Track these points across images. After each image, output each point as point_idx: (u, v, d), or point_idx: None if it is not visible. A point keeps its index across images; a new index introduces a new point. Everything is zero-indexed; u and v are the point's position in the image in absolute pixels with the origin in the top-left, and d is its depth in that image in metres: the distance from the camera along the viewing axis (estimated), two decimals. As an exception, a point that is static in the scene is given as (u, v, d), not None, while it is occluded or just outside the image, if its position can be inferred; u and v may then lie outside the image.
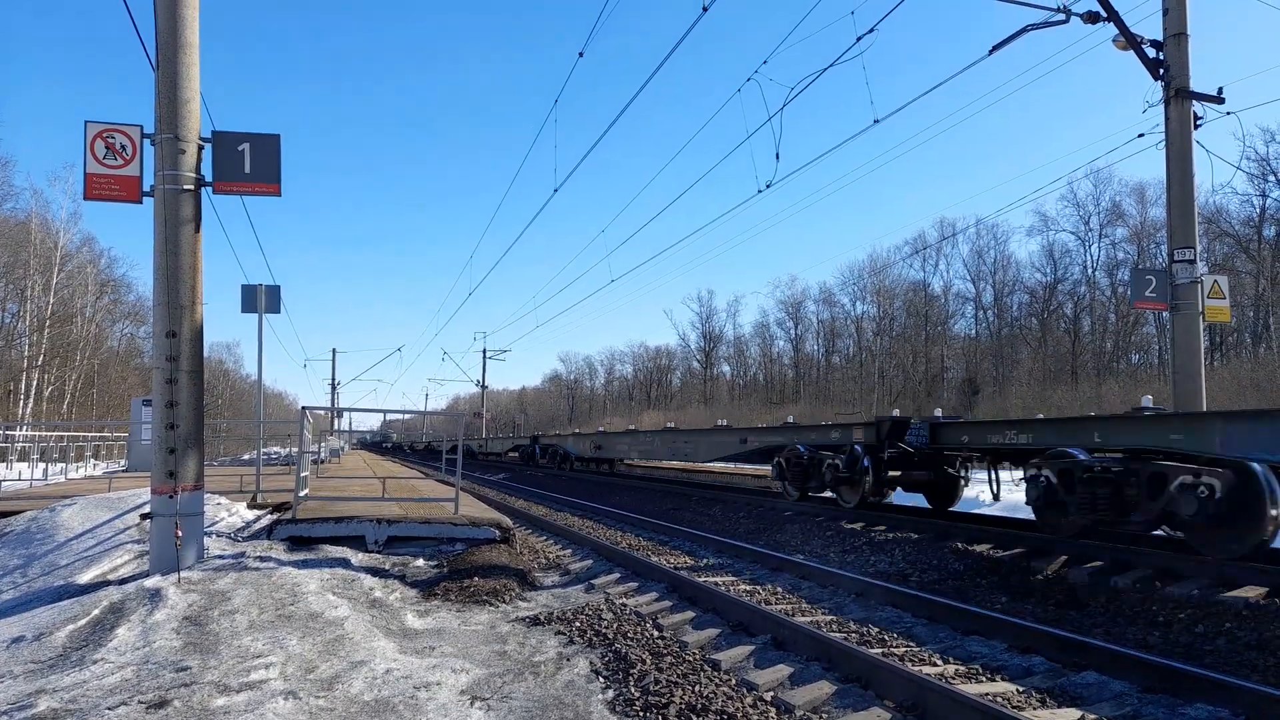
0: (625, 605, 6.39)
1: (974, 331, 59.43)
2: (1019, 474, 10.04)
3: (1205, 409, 10.39)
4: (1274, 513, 6.66)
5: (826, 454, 12.25)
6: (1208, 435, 7.18)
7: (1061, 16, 11.02)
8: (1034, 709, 4.12)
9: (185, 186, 7.21)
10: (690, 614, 6.17)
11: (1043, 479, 8.52)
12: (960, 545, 8.90)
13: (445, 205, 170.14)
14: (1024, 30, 11.11)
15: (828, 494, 12.58)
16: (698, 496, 16.17)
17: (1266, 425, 6.77)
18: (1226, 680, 4.17)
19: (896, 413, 12.74)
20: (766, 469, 18.85)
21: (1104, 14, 10.94)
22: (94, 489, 12.06)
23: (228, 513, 9.88)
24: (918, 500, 12.58)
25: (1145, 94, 11.21)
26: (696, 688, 4.24)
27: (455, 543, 8.91)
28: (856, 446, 11.58)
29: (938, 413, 12.80)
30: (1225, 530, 6.94)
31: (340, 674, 4.36)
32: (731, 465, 22.18)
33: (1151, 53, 10.92)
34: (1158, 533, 7.88)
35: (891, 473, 11.37)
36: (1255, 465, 6.76)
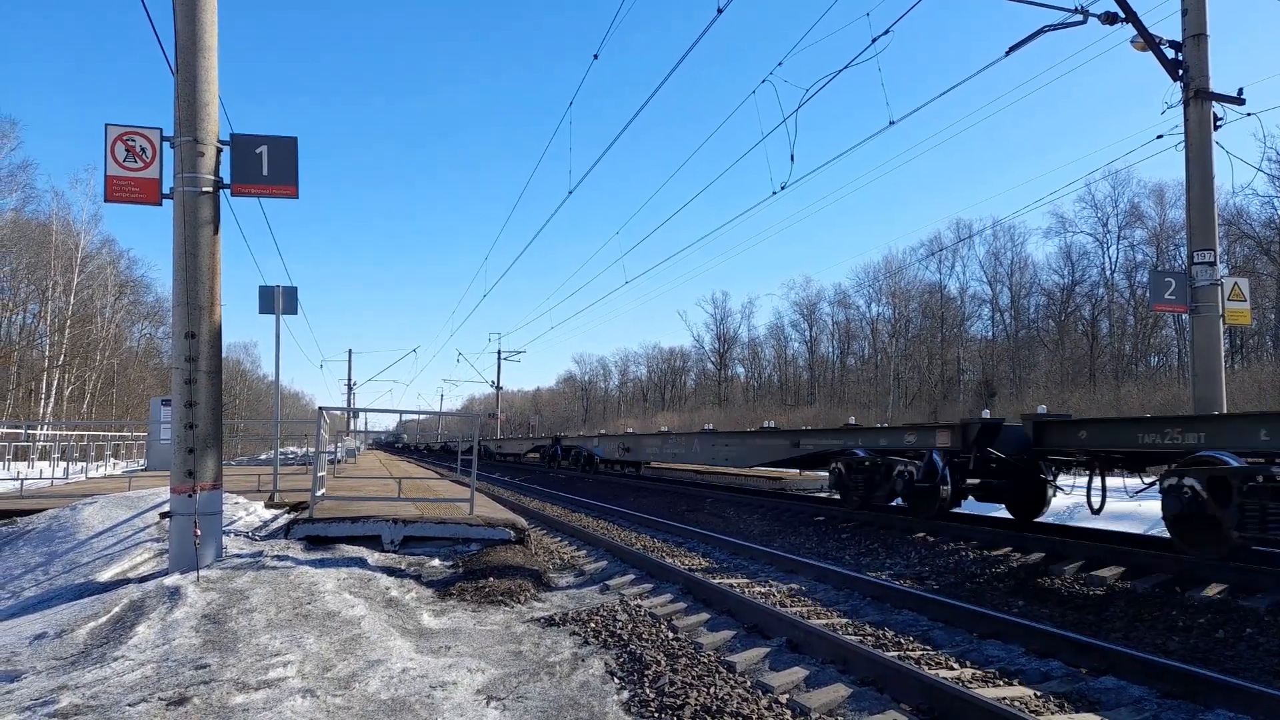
0: (640, 606, 6.39)
1: (990, 334, 59.11)
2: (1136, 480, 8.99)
3: (1225, 411, 10.29)
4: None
5: (897, 460, 11.18)
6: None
7: (1079, 18, 10.96)
8: (1051, 713, 4.10)
9: (204, 189, 7.28)
10: (705, 616, 6.17)
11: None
12: (978, 549, 8.86)
13: (461, 208, 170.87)
14: (1041, 31, 11.05)
15: (896, 503, 11.53)
16: (712, 498, 16.17)
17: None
18: (1248, 686, 4.12)
19: (987, 414, 11.83)
20: (814, 474, 18.43)
21: (1122, 15, 10.86)
22: (114, 488, 12.18)
23: (246, 512, 9.96)
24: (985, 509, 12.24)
25: (1164, 95, 11.20)
26: (712, 689, 4.24)
27: (470, 543, 8.94)
28: (935, 453, 10.44)
29: (1042, 409, 11.75)
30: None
31: (357, 673, 4.39)
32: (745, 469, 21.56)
33: (1170, 54, 10.83)
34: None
35: (970, 480, 10.42)
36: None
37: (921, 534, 9.98)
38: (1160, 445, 8.10)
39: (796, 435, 14.93)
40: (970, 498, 10.71)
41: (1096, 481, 9.16)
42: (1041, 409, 9.40)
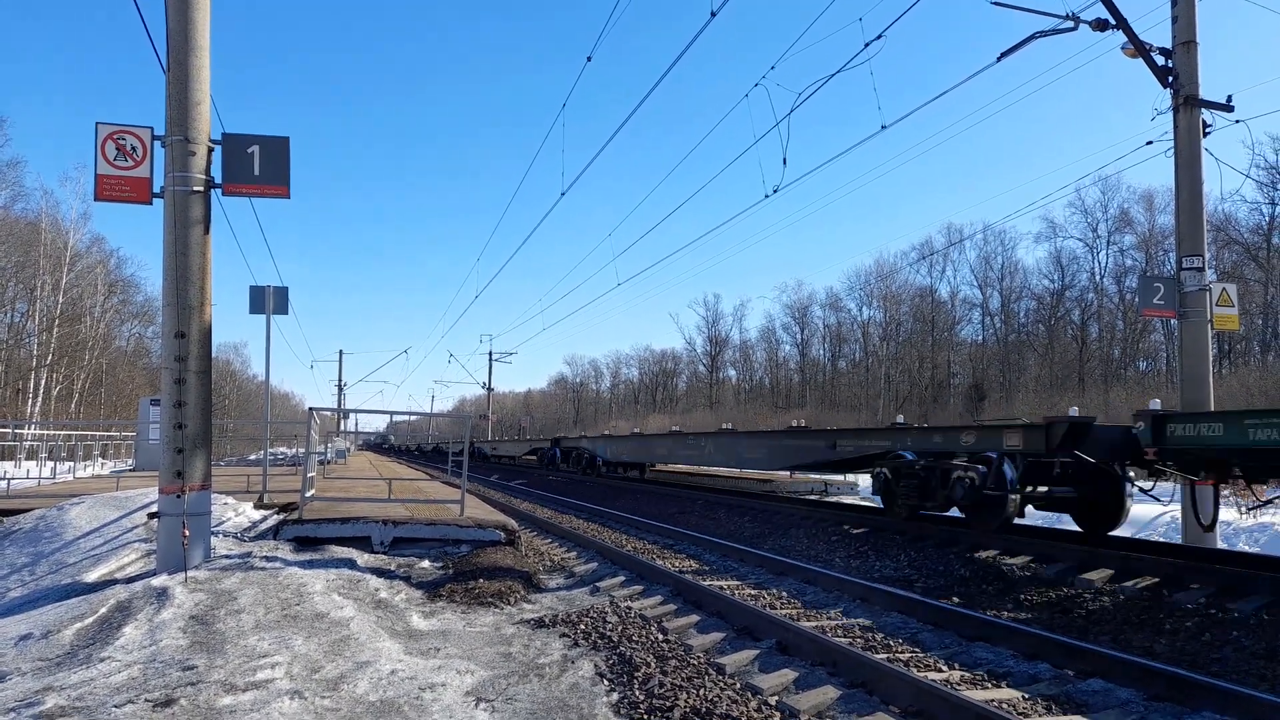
0: (630, 608, 6.39)
1: (981, 338, 59.37)
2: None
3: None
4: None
5: (954, 465, 9.79)
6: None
7: (1070, 24, 11.00)
8: (1039, 715, 4.11)
9: (195, 188, 7.25)
10: (695, 617, 6.17)
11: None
12: (966, 552, 8.88)
13: (453, 209, 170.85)
14: (1032, 37, 11.10)
15: (952, 513, 10.19)
16: (702, 500, 16.17)
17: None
18: (1234, 689, 4.15)
19: (1075, 411, 11.22)
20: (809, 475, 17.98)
21: (1112, 21, 10.92)
22: (102, 488, 12.11)
23: (234, 513, 9.91)
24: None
25: (1154, 101, 11.19)
26: (701, 691, 4.24)
27: (460, 544, 8.92)
28: (1003, 457, 9.19)
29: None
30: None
31: (346, 674, 4.38)
32: (736, 470, 21.20)
33: (1160, 60, 10.90)
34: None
35: (1040, 488, 9.45)
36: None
37: (910, 536, 10.00)
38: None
39: (833, 435, 13.57)
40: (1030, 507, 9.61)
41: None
42: (1074, 409, 8.86)
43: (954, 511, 9.98)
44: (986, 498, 9.13)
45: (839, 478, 19.39)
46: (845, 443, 12.55)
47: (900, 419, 15.40)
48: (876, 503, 14.70)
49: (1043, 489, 9.39)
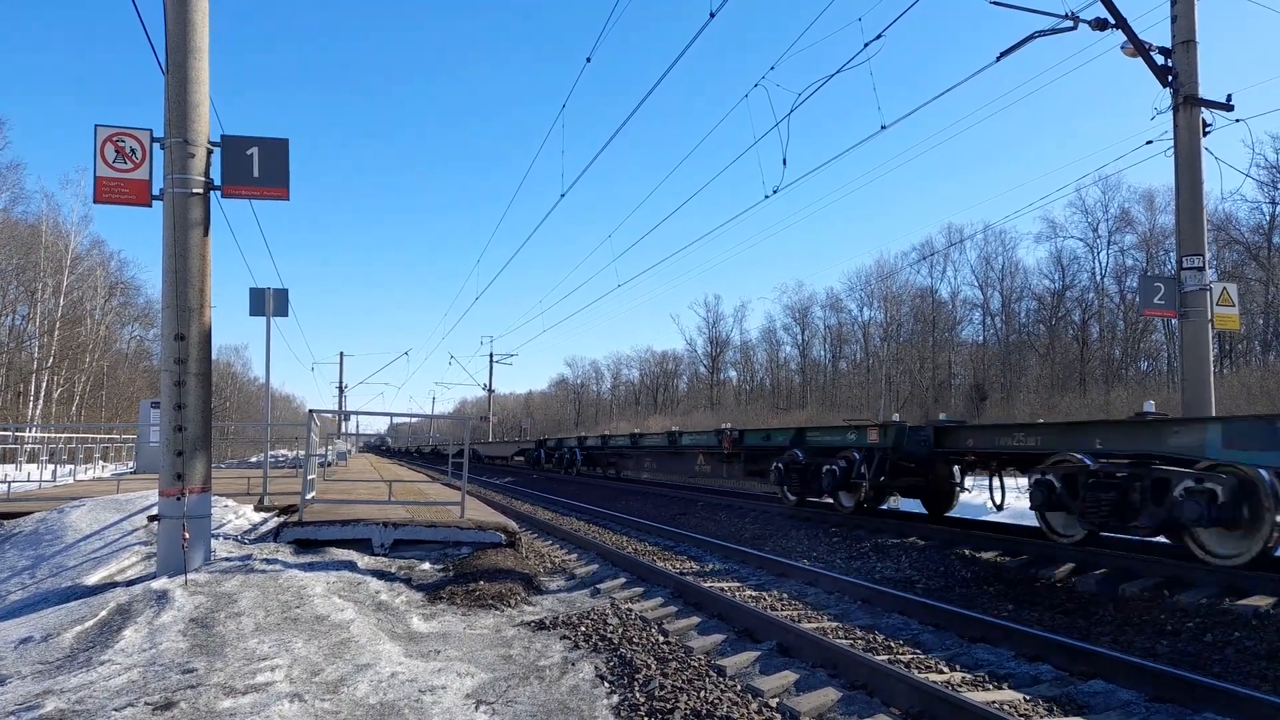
0: (630, 610, 6.38)
1: (981, 338, 59.30)
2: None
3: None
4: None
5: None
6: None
7: (1069, 23, 11.00)
8: (1041, 717, 4.11)
9: (194, 190, 7.25)
10: (695, 619, 6.17)
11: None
12: (967, 552, 8.87)
13: (453, 210, 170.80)
14: (1032, 37, 11.10)
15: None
16: (703, 502, 16.17)
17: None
18: (1235, 690, 4.14)
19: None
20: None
21: (1112, 21, 10.92)
22: (102, 490, 12.11)
23: (235, 515, 9.90)
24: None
25: (1154, 101, 11.19)
26: (701, 693, 4.23)
27: (461, 546, 8.91)
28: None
29: (941, 416, 13.00)
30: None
31: (346, 677, 4.37)
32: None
33: (1160, 59, 10.89)
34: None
35: (890, 479, 11.44)
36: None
37: (913, 538, 10.00)
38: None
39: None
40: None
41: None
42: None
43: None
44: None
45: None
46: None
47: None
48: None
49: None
